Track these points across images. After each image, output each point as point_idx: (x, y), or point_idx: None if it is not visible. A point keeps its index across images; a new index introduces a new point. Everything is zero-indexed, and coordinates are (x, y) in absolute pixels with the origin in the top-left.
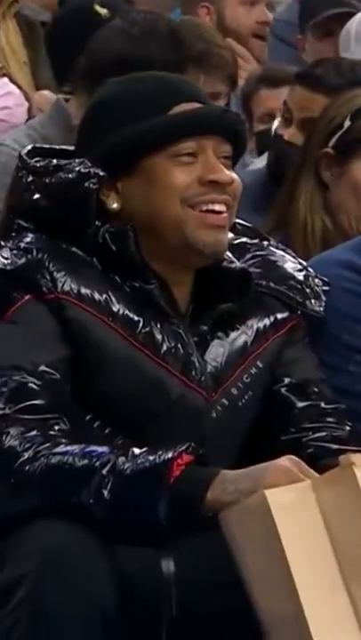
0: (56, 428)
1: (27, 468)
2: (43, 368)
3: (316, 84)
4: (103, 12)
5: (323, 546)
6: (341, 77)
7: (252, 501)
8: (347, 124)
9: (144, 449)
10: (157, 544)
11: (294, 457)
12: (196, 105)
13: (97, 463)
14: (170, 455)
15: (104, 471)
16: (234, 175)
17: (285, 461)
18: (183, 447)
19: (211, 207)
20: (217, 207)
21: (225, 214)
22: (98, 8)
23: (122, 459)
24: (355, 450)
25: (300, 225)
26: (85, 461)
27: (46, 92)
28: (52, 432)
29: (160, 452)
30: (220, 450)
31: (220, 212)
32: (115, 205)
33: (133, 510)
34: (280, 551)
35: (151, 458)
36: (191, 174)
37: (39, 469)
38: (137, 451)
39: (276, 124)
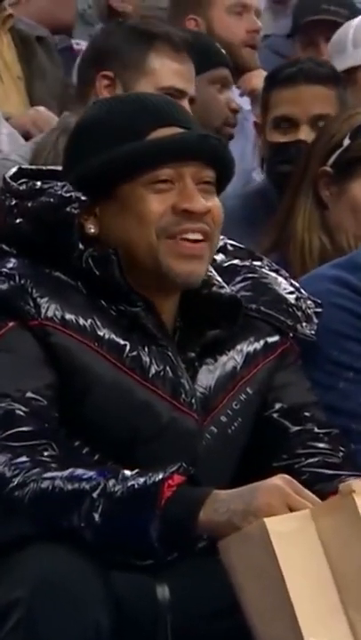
0: (45, 453)
1: (16, 493)
2: (29, 394)
3: (309, 76)
4: None
5: (322, 573)
6: (323, 67)
7: (251, 530)
8: (346, 142)
9: (135, 471)
10: (153, 568)
11: (287, 476)
12: (176, 130)
13: (87, 486)
14: (161, 476)
15: (94, 494)
16: (211, 204)
17: (278, 480)
18: (174, 468)
19: (185, 236)
20: (191, 236)
21: (201, 243)
22: None
23: (112, 481)
24: (349, 475)
25: (297, 244)
26: (75, 485)
27: (41, 108)
28: (41, 458)
29: (151, 474)
30: (211, 475)
31: (195, 241)
32: (92, 230)
33: (125, 533)
34: (280, 579)
35: (142, 479)
36: (166, 202)
37: (29, 495)
38: (127, 473)
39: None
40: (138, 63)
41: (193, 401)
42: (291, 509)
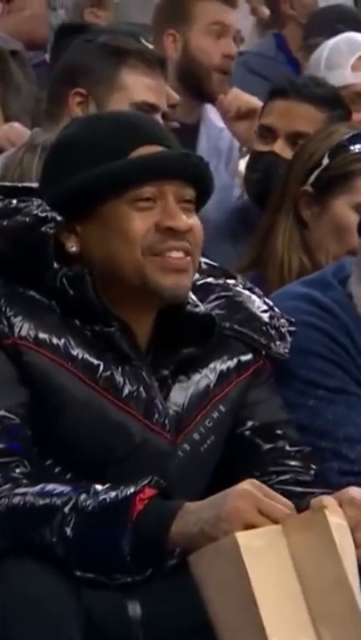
0: (17, 470)
1: None
2: (1, 413)
3: (301, 93)
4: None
5: (292, 589)
6: (322, 88)
7: (222, 544)
8: (325, 161)
9: (106, 485)
10: (125, 585)
11: (256, 481)
12: (157, 148)
13: (58, 501)
14: (132, 490)
15: (66, 509)
16: (193, 222)
17: (247, 485)
18: (145, 481)
19: (168, 254)
20: (174, 254)
21: (187, 258)
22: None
23: (83, 496)
24: (320, 492)
25: (277, 263)
26: (47, 500)
27: (16, 124)
28: (13, 474)
29: (122, 488)
30: (183, 494)
31: (180, 251)
32: (74, 249)
33: (97, 547)
34: (250, 594)
35: (113, 493)
36: (149, 220)
37: (0, 510)
38: (99, 487)
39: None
40: (110, 79)
41: (166, 421)
42: (261, 513)
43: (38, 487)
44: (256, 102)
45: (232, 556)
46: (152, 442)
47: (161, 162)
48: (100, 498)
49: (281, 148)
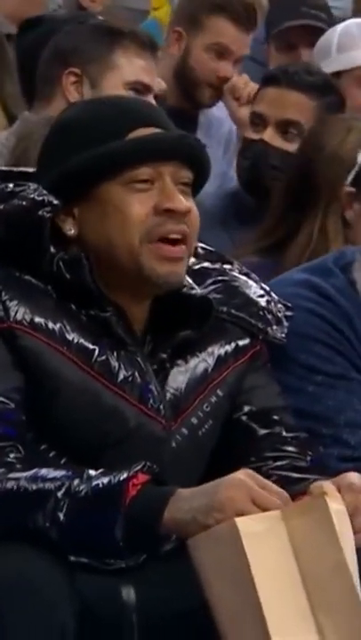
0: (11, 455)
1: None
2: None
3: (292, 81)
4: None
5: (292, 575)
6: (313, 75)
7: (222, 529)
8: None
9: (99, 470)
10: (119, 571)
11: (250, 471)
12: (154, 130)
13: (51, 486)
14: (125, 475)
15: (59, 494)
16: (191, 204)
17: (241, 474)
18: (138, 467)
19: (166, 236)
20: (172, 236)
21: (182, 246)
22: None
23: (76, 481)
24: (316, 478)
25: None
26: (40, 485)
27: None
28: (6, 459)
29: (115, 473)
30: (179, 479)
31: (175, 243)
32: (71, 232)
33: (90, 532)
34: (249, 579)
35: (106, 479)
36: (147, 203)
37: None
38: (92, 472)
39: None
40: (104, 58)
41: (161, 407)
42: (254, 503)
43: (31, 472)
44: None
45: (232, 540)
46: (147, 427)
47: (157, 143)
48: (93, 483)
49: (271, 137)
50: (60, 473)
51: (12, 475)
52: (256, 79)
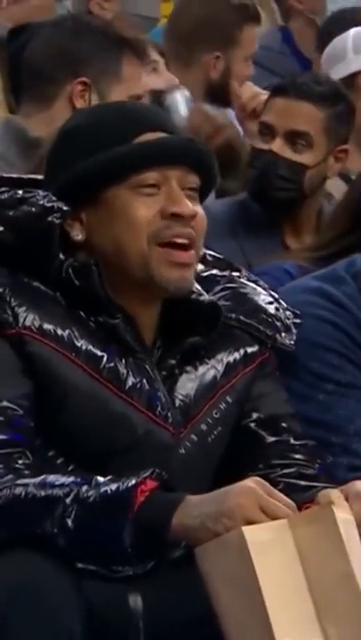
0: (19, 461)
1: None
2: (5, 404)
3: (300, 91)
4: None
5: (298, 584)
6: (322, 85)
7: (229, 538)
8: None
9: (108, 477)
10: (127, 578)
11: (259, 478)
12: (161, 134)
13: (60, 493)
14: (133, 482)
15: (67, 500)
16: (198, 209)
17: (250, 482)
18: (147, 473)
19: (173, 241)
20: (179, 240)
21: (190, 251)
22: None
23: (85, 487)
24: (324, 486)
25: None
26: (48, 491)
27: None
28: (15, 465)
29: (124, 480)
30: (188, 486)
31: (184, 249)
32: (79, 237)
33: (98, 539)
34: (256, 588)
35: (114, 485)
36: (153, 207)
37: (2, 501)
38: (100, 479)
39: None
40: (113, 71)
41: (169, 414)
42: (263, 511)
43: (40, 478)
44: None
45: (239, 549)
46: (155, 434)
47: (164, 147)
48: (102, 489)
49: (279, 147)
50: (68, 479)
51: (20, 481)
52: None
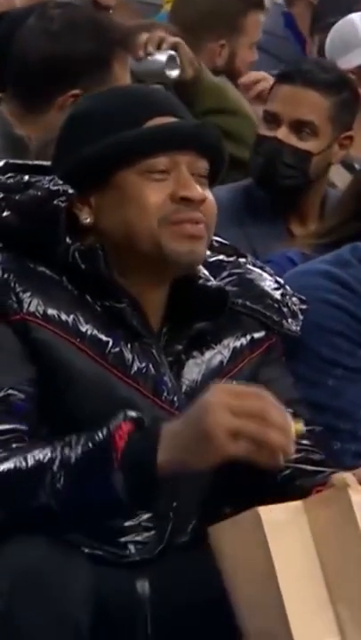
0: (14, 445)
1: None
2: (8, 392)
3: (306, 79)
4: None
5: (312, 566)
6: (328, 73)
7: (243, 517)
8: None
9: (82, 433)
10: (134, 564)
11: (218, 385)
12: (171, 119)
13: (45, 460)
14: (109, 429)
15: (54, 467)
16: (208, 194)
17: (213, 397)
18: (119, 417)
19: (183, 222)
20: (189, 226)
21: (200, 225)
22: None
23: (66, 449)
24: (332, 471)
25: None
26: (33, 463)
27: None
28: (10, 447)
29: (98, 430)
30: (195, 473)
31: (195, 223)
32: (88, 220)
33: (91, 495)
34: (270, 568)
35: (93, 438)
36: (163, 192)
37: None
38: (75, 437)
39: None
40: (106, 76)
41: (175, 399)
42: (237, 414)
43: (21, 454)
44: None
45: (254, 529)
46: (160, 419)
47: (174, 131)
48: (81, 446)
49: (285, 135)
50: (47, 446)
51: (5, 461)
52: (267, 70)
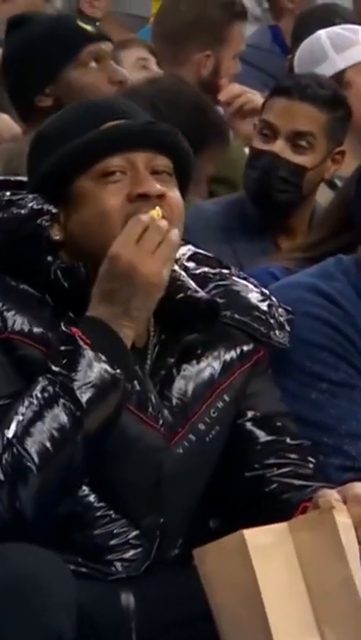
0: None
1: None
2: None
3: (304, 94)
4: (89, 27)
5: (298, 588)
6: (325, 89)
7: (229, 541)
8: None
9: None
10: (120, 580)
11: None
12: (122, 121)
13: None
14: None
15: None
16: (171, 191)
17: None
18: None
19: None
20: None
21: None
22: (81, 24)
23: (21, 409)
24: (319, 486)
25: None
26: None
27: (6, 117)
28: None
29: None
30: (184, 487)
31: None
32: (57, 237)
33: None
34: (256, 591)
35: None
36: (120, 192)
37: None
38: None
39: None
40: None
41: (159, 415)
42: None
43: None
44: (258, 100)
45: (239, 552)
46: (145, 436)
47: (124, 130)
48: (34, 407)
49: (281, 149)
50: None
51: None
52: (255, 85)
